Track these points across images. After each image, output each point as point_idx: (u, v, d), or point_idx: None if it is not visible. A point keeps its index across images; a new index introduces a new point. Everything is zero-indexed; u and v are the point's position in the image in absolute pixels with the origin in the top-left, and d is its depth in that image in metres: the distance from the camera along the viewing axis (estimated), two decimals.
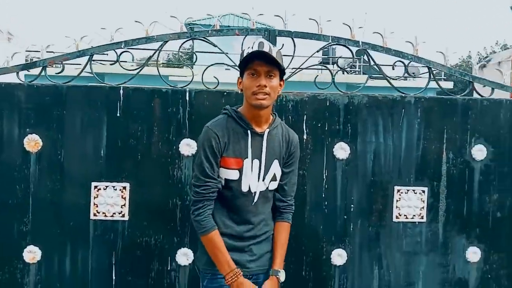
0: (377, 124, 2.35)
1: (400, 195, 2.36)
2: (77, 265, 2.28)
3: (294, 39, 2.32)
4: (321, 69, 2.46)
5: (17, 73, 2.27)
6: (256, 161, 1.71)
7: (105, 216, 2.27)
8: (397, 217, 2.36)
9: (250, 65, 1.63)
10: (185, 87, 2.28)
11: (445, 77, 10.57)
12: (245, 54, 1.66)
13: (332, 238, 2.33)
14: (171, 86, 2.28)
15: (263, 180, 1.73)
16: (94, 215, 2.27)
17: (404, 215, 2.37)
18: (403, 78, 2.49)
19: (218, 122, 1.74)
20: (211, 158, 1.68)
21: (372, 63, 2.37)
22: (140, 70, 2.32)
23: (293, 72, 2.33)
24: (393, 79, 2.37)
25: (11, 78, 2.29)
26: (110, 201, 2.27)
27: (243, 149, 1.70)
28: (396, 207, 2.36)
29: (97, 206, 2.27)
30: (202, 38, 2.30)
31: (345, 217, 2.34)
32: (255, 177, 1.71)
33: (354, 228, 2.34)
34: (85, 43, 2.28)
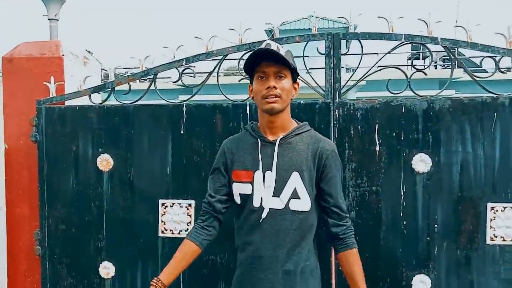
0: (463, 131, 2.04)
1: (495, 213, 2.01)
2: (147, 281, 2.30)
3: (361, 40, 2.11)
4: (395, 66, 2.18)
5: (89, 96, 2.37)
6: (269, 173, 1.51)
7: (172, 233, 2.28)
8: (492, 239, 2.02)
9: (257, 68, 1.50)
10: (245, 101, 2.20)
11: None
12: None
13: (413, 262, 2.07)
14: (231, 100, 2.22)
15: (278, 196, 1.49)
16: (162, 232, 2.29)
17: (501, 237, 2.02)
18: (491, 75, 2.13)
19: (234, 136, 1.72)
20: (215, 172, 1.65)
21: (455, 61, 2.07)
22: (202, 86, 2.28)
23: (361, 78, 2.12)
24: (481, 79, 2.03)
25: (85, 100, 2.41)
26: (176, 218, 2.27)
27: (253, 160, 1.54)
28: (491, 227, 2.02)
29: (164, 223, 2.28)
30: None
31: (427, 238, 2.06)
32: (268, 191, 1.51)
33: (439, 251, 2.05)
34: (149, 62, 2.31)
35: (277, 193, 1.50)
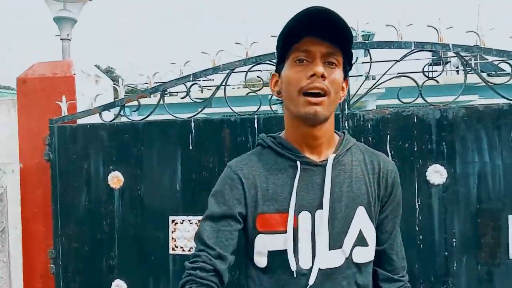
0: (480, 141, 1.95)
1: None
2: None
3: (370, 50, 2.06)
4: (404, 75, 2.11)
5: (100, 113, 2.39)
6: (320, 213, 0.98)
7: (183, 250, 2.25)
8: None
9: (296, 45, 0.96)
10: (253, 115, 2.18)
11: None
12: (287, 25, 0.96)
13: (431, 279, 1.98)
14: (239, 114, 2.19)
15: (339, 248, 0.98)
16: (173, 249, 2.26)
17: None
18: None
19: (245, 157, 1.11)
20: (217, 214, 1.02)
21: (468, 67, 1.99)
22: (209, 100, 2.28)
23: (371, 87, 2.06)
24: (496, 85, 1.94)
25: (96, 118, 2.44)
26: (186, 235, 2.24)
27: (292, 195, 0.98)
28: None
29: (175, 241, 2.26)
30: (269, 62, 2.17)
31: (445, 253, 1.97)
32: (322, 241, 0.97)
33: (458, 267, 1.95)
34: (157, 78, 2.32)
35: (336, 243, 0.98)
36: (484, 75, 2.10)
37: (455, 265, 1.96)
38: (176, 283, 2.26)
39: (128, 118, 2.35)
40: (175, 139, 2.27)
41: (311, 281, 0.95)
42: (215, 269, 0.97)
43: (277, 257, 0.98)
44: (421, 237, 1.98)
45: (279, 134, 1.10)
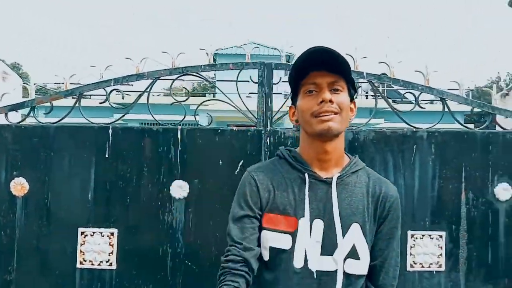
0: (386, 162, 2.13)
1: (414, 240, 2.11)
2: None
3: None
4: None
5: (6, 114, 2.19)
6: (318, 223, 1.13)
7: (92, 264, 2.12)
8: (411, 266, 2.11)
9: (304, 80, 1.15)
10: (177, 125, 2.15)
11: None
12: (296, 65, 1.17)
13: None
14: (161, 124, 2.15)
15: (330, 254, 1.12)
16: (81, 263, 2.12)
17: (420, 263, 2.12)
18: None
19: (263, 164, 1.28)
20: (241, 215, 1.17)
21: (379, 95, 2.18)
22: (131, 107, 2.21)
23: None
24: (401, 112, 2.15)
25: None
26: (97, 248, 2.12)
27: (297, 202, 1.15)
28: (411, 254, 2.11)
29: (83, 254, 2.13)
30: (195, 74, 2.17)
31: None
32: (315, 247, 1.12)
33: None
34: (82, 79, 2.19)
35: (327, 251, 1.12)
36: (390, 101, 2.31)
37: None
38: None
39: (39, 121, 2.18)
40: (90, 146, 2.15)
41: (308, 280, 1.11)
42: (244, 259, 1.12)
43: (277, 254, 1.14)
44: None
45: (295, 149, 1.27)
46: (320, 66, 1.12)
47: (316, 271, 1.11)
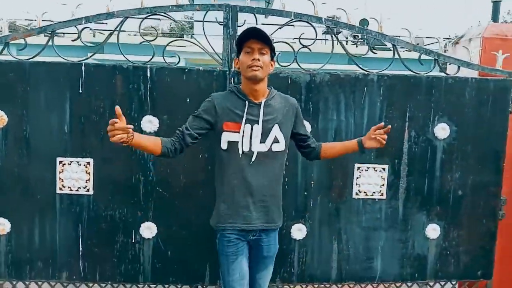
0: (339, 102, 2.35)
1: (360, 172, 2.39)
2: (45, 236, 2.37)
3: (256, 15, 2.29)
4: (283, 41, 2.39)
5: None
6: (256, 126, 1.85)
7: (71, 190, 2.34)
8: (357, 194, 2.40)
9: (246, 43, 1.82)
10: (146, 64, 2.29)
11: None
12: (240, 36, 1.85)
13: (293, 213, 2.39)
14: (132, 62, 2.29)
15: (263, 142, 1.86)
16: (60, 189, 2.34)
17: (364, 192, 2.41)
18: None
19: (221, 93, 1.98)
20: (201, 115, 1.87)
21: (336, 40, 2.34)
22: (101, 45, 2.32)
23: None
24: (355, 56, 2.33)
25: None
26: (74, 176, 2.33)
27: (241, 115, 1.85)
28: (356, 184, 2.40)
29: (62, 181, 2.33)
30: (163, 14, 2.28)
31: (305, 193, 2.38)
32: (256, 139, 1.86)
33: (314, 204, 2.39)
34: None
35: (263, 140, 1.86)
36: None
37: (311, 202, 2.39)
38: (64, 221, 2.35)
39: (14, 57, 2.28)
40: (64, 82, 2.28)
41: (254, 157, 1.84)
42: (182, 133, 1.87)
43: (232, 144, 1.86)
44: (287, 179, 2.36)
45: (240, 85, 1.93)
46: (255, 37, 1.80)
47: (257, 152, 1.85)
